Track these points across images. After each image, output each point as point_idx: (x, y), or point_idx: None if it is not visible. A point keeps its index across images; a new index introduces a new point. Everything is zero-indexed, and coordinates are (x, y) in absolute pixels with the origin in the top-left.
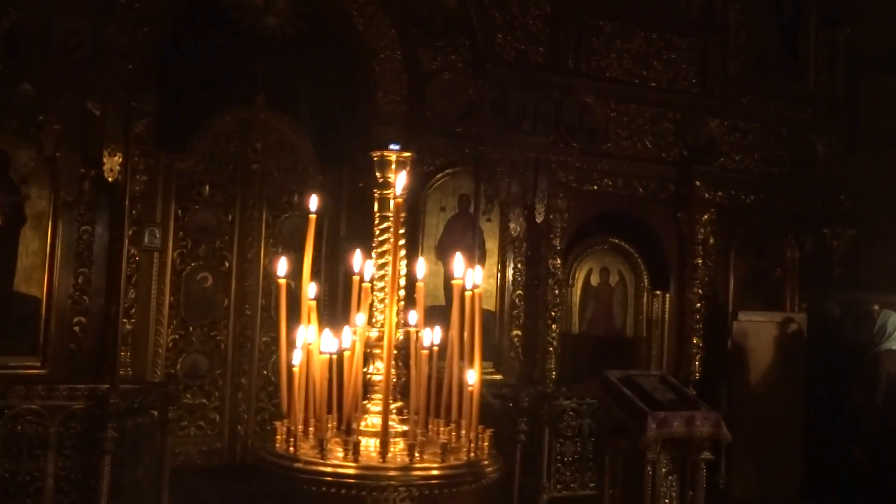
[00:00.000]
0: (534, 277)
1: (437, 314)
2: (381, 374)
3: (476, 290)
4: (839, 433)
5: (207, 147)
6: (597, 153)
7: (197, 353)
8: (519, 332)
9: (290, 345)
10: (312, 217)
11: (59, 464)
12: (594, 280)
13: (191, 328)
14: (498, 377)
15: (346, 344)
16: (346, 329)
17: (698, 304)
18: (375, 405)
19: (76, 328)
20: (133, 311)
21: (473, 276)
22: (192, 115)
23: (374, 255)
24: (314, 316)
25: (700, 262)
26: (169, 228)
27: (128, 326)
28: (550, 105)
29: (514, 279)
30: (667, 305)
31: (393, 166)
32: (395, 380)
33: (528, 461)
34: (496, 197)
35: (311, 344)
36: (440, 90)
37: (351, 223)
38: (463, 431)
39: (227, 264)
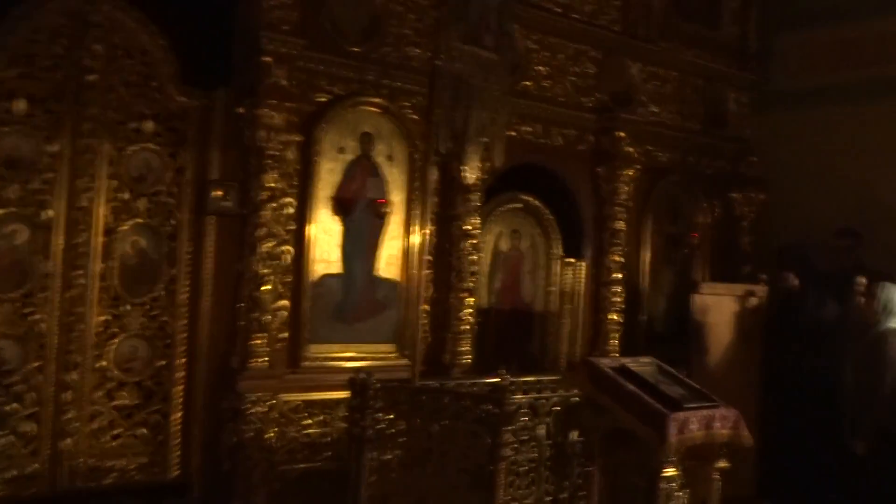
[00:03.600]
0: (445, 240)
1: (336, 286)
2: None
3: None
4: (826, 425)
5: (21, 45)
6: (516, 92)
7: (3, 340)
8: (427, 308)
9: None
10: None
11: None
12: (504, 245)
13: None
14: (403, 362)
15: None
16: None
17: (617, 275)
18: None
19: None
20: None
21: None
22: None
23: None
24: None
25: (621, 226)
26: None
27: None
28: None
29: (422, 242)
30: (582, 275)
31: None
32: None
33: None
34: (443, 132)
35: None
36: None
37: (226, 161)
38: None
39: (49, 213)
